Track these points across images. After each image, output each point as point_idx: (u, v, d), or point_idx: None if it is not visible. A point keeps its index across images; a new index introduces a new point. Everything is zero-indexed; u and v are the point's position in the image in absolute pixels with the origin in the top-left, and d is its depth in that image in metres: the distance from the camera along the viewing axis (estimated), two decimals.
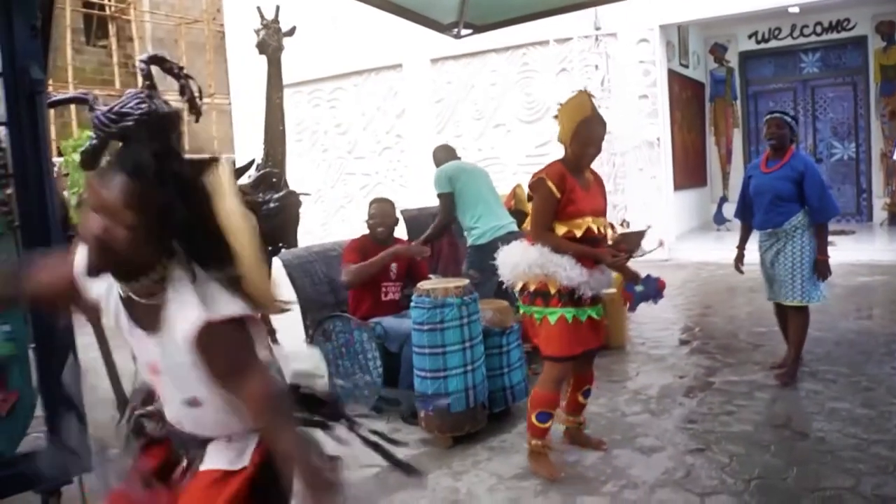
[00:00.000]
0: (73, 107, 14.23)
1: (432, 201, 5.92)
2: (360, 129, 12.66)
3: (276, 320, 4.43)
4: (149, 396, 1.88)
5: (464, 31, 5.65)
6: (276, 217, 5.68)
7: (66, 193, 9.08)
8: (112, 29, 18.53)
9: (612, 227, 8.19)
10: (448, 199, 5.16)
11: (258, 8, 6.21)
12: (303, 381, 1.91)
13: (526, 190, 3.79)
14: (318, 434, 1.86)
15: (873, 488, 3.07)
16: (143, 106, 4.45)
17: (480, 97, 11.41)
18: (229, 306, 1.56)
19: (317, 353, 1.90)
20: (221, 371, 1.56)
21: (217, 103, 17.92)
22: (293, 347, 4.27)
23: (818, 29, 11.59)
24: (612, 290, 3.74)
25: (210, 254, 1.59)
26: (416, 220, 6.34)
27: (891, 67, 11.13)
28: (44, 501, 2.86)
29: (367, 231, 4.62)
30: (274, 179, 5.96)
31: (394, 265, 4.53)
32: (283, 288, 3.62)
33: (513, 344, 4.21)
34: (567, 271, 3.25)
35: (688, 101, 11.89)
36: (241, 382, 1.54)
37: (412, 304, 3.90)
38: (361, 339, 4.33)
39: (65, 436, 2.73)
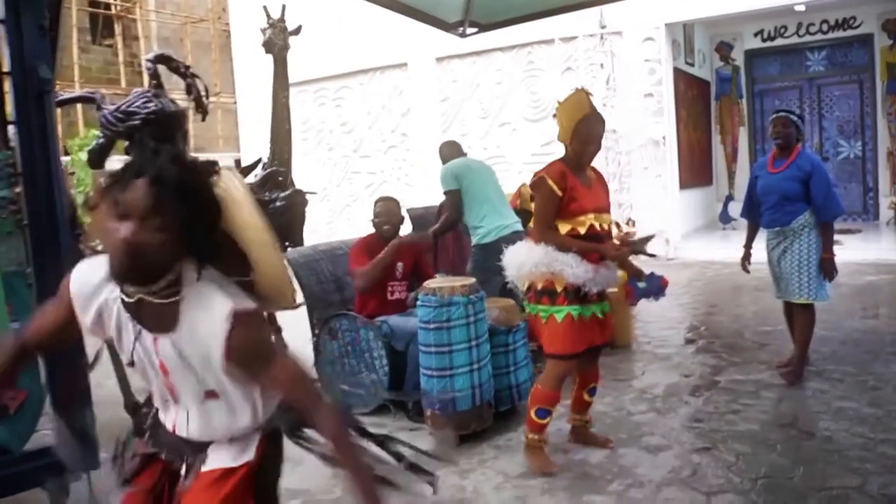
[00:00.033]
0: (79, 106, 14.26)
1: (438, 200, 5.92)
2: (366, 127, 12.66)
3: (283, 319, 4.45)
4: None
5: (469, 30, 5.66)
6: (282, 216, 5.70)
7: (72, 192, 9.11)
8: (118, 28, 18.58)
9: (618, 225, 8.20)
10: (455, 196, 5.16)
11: (264, 7, 6.23)
12: None
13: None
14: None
15: (880, 487, 3.07)
16: (150, 105, 4.48)
17: (486, 96, 11.41)
18: (247, 301, 1.63)
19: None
20: (251, 357, 1.62)
21: (222, 102, 17.94)
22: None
23: (824, 27, 11.55)
24: (617, 290, 3.73)
25: (222, 256, 1.63)
26: (421, 218, 6.35)
27: None
28: (52, 498, 2.88)
29: (372, 230, 4.63)
30: (280, 178, 5.98)
31: (399, 264, 4.53)
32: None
33: (519, 342, 4.21)
34: (573, 269, 3.26)
35: (693, 99, 11.86)
36: (271, 366, 1.62)
37: (418, 302, 3.90)
38: (367, 337, 4.34)
39: (73, 433, 2.75)
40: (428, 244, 4.81)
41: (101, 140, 4.67)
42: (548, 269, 3.28)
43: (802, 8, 10.26)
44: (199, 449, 1.77)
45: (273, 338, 1.72)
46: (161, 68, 4.83)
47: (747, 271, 4.87)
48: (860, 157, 11.67)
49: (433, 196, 6.70)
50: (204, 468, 1.75)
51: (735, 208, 10.06)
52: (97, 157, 4.73)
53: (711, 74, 12.72)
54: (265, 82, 6.72)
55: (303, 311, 4.55)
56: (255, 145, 11.66)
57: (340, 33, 12.04)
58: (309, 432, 1.92)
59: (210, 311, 1.59)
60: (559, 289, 3.30)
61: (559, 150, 3.48)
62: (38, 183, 2.78)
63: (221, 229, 1.64)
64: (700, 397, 4.38)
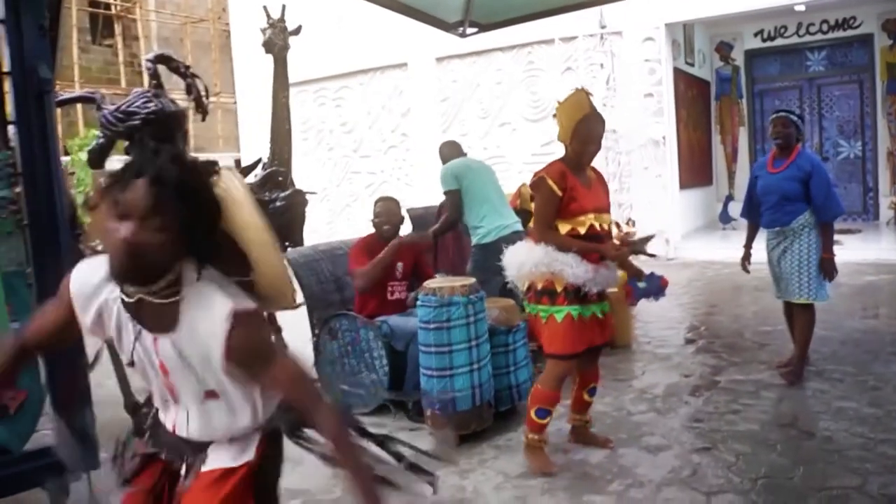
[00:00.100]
0: (79, 105, 14.26)
1: (438, 200, 5.92)
2: (366, 127, 12.66)
3: (282, 319, 4.45)
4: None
5: (469, 30, 5.66)
6: (282, 216, 5.70)
7: (72, 192, 9.11)
8: (118, 28, 18.58)
9: (618, 225, 8.20)
10: (455, 196, 5.16)
11: (264, 7, 6.23)
12: None
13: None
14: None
15: (880, 487, 3.07)
16: (150, 105, 4.48)
17: (486, 96, 11.41)
18: (247, 300, 1.64)
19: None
20: (251, 357, 1.62)
21: (222, 102, 17.94)
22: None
23: (824, 27, 11.55)
24: (617, 290, 3.73)
25: (222, 256, 1.64)
26: (421, 218, 6.35)
27: None
28: (52, 498, 2.88)
29: (372, 230, 4.63)
30: (280, 178, 5.98)
31: (399, 264, 4.53)
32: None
33: (519, 342, 4.21)
34: (573, 269, 3.26)
35: (693, 99, 11.86)
36: (271, 365, 1.63)
37: (418, 302, 3.90)
38: (367, 337, 4.34)
39: (73, 433, 2.75)
40: (428, 244, 4.82)
41: (101, 140, 4.67)
42: (548, 269, 3.28)
43: (802, 8, 10.26)
44: (199, 449, 1.77)
45: (273, 338, 1.73)
46: (161, 68, 4.83)
47: (747, 271, 4.87)
48: (860, 157, 11.67)
49: (433, 196, 6.70)
50: (204, 468, 1.75)
51: (735, 208, 10.06)
52: (97, 157, 4.73)
53: (711, 74, 12.72)
54: (265, 82, 6.72)
55: (303, 311, 4.55)
56: (255, 145, 11.66)
57: (340, 33, 12.04)
58: (309, 432, 1.93)
59: (210, 311, 1.59)
60: (559, 289, 3.30)
61: (559, 151, 3.48)
62: (38, 183, 2.78)
63: (221, 229, 1.64)
64: (700, 397, 4.38)
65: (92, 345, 2.99)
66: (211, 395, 1.69)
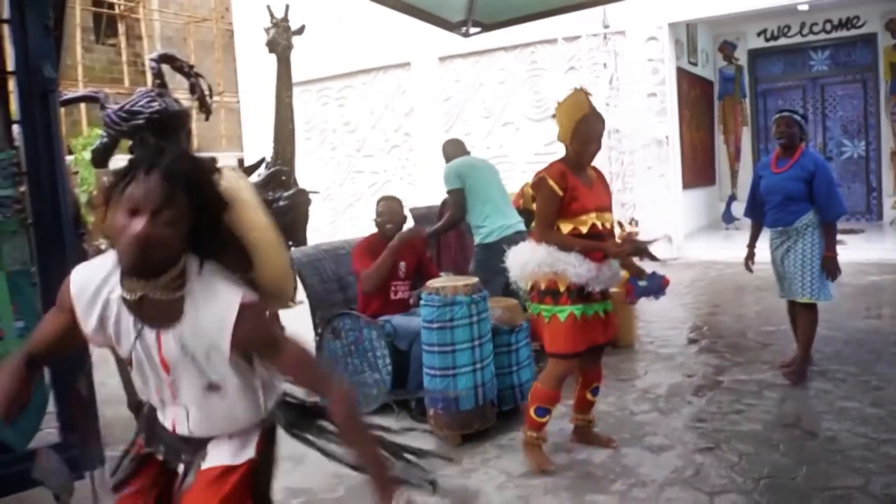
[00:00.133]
0: (82, 105, 14.28)
1: (441, 199, 5.93)
2: (369, 127, 12.67)
3: (285, 318, 4.45)
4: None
5: (472, 30, 5.66)
6: (285, 215, 5.70)
7: (76, 191, 9.12)
8: (121, 27, 18.60)
9: (621, 224, 8.20)
10: (459, 195, 5.16)
11: (268, 6, 6.24)
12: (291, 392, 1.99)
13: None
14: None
15: (883, 487, 3.07)
16: (154, 104, 4.49)
17: (489, 95, 11.41)
18: (251, 292, 1.67)
19: None
20: (259, 345, 1.68)
21: (226, 101, 17.98)
22: None
23: (827, 27, 11.54)
24: (618, 289, 3.73)
25: (225, 251, 1.66)
26: (425, 218, 6.35)
27: None
28: (56, 497, 2.88)
29: (375, 230, 4.63)
30: (283, 178, 5.98)
31: (402, 264, 4.53)
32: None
33: (521, 342, 4.21)
34: (576, 268, 3.26)
35: (696, 99, 11.85)
36: (279, 353, 1.68)
37: (422, 302, 3.91)
38: (371, 337, 4.34)
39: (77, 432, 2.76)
40: (423, 237, 4.80)
41: (105, 139, 4.67)
42: (551, 269, 3.29)
43: (806, 7, 10.25)
44: (198, 446, 1.78)
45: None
46: (165, 68, 4.84)
47: (751, 271, 4.86)
48: (864, 156, 11.65)
49: (436, 195, 6.70)
50: (204, 465, 1.76)
51: (738, 208, 10.07)
52: (101, 157, 4.74)
53: (715, 74, 12.71)
54: (268, 82, 6.72)
55: (305, 311, 4.56)
56: (259, 145, 11.66)
57: (343, 33, 12.05)
58: (308, 429, 1.94)
59: (216, 303, 1.61)
60: (562, 288, 3.30)
61: (562, 150, 3.48)
62: (43, 182, 2.78)
63: (225, 226, 1.66)
64: (703, 397, 4.38)
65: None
66: (213, 388, 1.70)
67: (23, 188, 2.81)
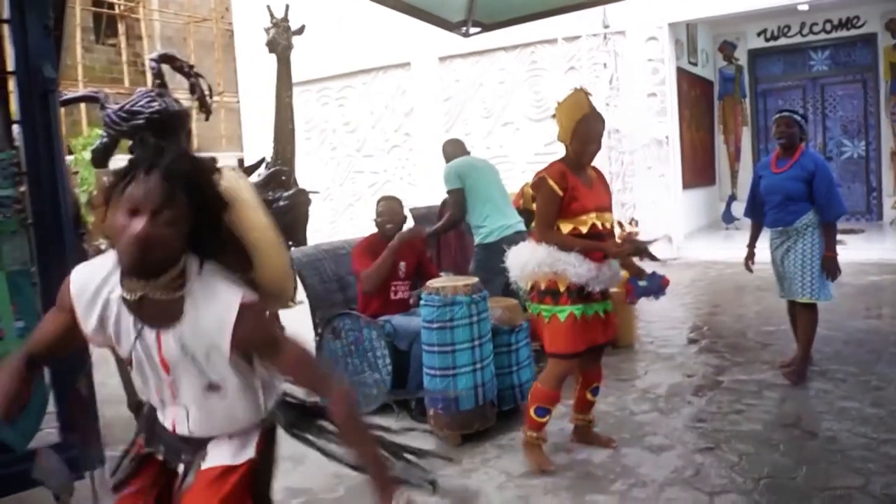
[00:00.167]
0: (82, 105, 14.28)
1: (441, 199, 5.92)
2: (369, 127, 12.67)
3: (285, 318, 4.45)
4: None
5: (472, 30, 5.66)
6: (285, 215, 5.70)
7: (76, 191, 9.12)
8: (121, 27, 18.60)
9: (621, 225, 8.19)
10: (459, 195, 5.16)
11: (268, 7, 6.24)
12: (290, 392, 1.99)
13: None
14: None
15: (883, 487, 3.07)
16: (154, 104, 4.49)
17: (489, 95, 11.41)
18: (251, 292, 1.67)
19: None
20: (259, 345, 1.68)
21: (225, 101, 17.98)
22: None
23: (827, 27, 11.53)
24: (618, 289, 3.73)
25: (225, 251, 1.66)
26: (425, 218, 6.35)
27: None
28: (56, 497, 2.88)
29: (375, 230, 4.62)
30: (283, 178, 5.98)
31: (402, 264, 4.53)
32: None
33: (521, 342, 4.21)
34: (576, 268, 3.26)
35: (696, 99, 11.85)
36: (279, 352, 1.69)
37: (422, 302, 3.91)
38: (371, 337, 4.34)
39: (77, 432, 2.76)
40: (422, 236, 4.80)
41: (105, 139, 4.67)
42: (551, 269, 3.29)
43: (806, 7, 10.25)
44: (198, 446, 1.78)
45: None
46: (165, 68, 4.84)
47: (751, 271, 4.87)
48: (864, 156, 11.65)
49: (436, 195, 6.71)
50: (204, 465, 1.76)
51: (738, 208, 10.06)
52: (101, 157, 4.74)
53: (715, 74, 12.71)
54: (268, 82, 6.72)
55: (305, 311, 4.56)
56: (259, 145, 11.66)
57: (343, 33, 12.05)
58: (308, 429, 1.94)
59: (217, 302, 1.61)
60: (562, 288, 3.30)
61: (562, 150, 3.48)
62: (43, 182, 2.78)
63: (226, 226, 1.66)
64: (703, 397, 4.38)
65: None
66: (213, 388, 1.70)
67: (23, 188, 2.81)
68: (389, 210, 4.60)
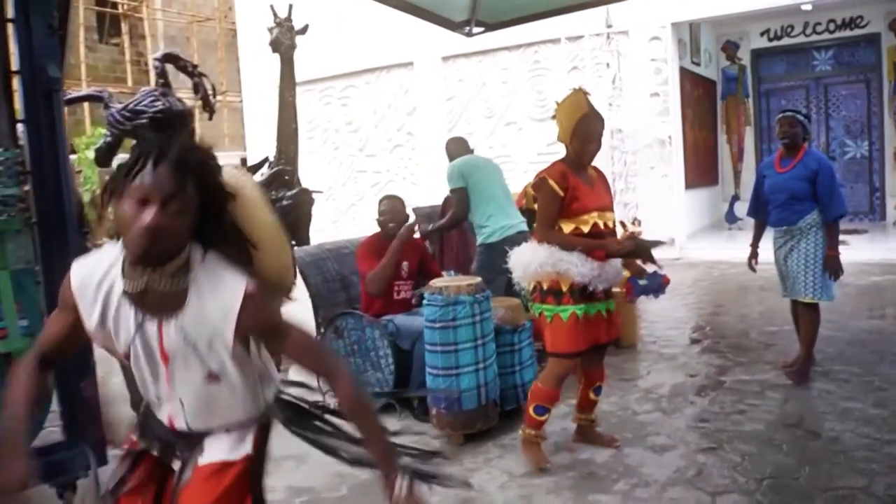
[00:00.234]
0: (85, 104, 14.30)
1: (444, 198, 5.92)
2: (372, 126, 12.67)
3: (288, 316, 4.46)
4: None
5: (475, 30, 5.66)
6: (288, 215, 5.70)
7: (79, 190, 9.14)
8: (124, 27, 18.62)
9: (623, 224, 8.19)
10: (462, 194, 5.16)
11: (271, 6, 6.24)
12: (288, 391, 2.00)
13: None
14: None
15: (886, 488, 3.06)
16: (157, 104, 4.50)
17: (492, 95, 11.41)
18: (254, 282, 1.67)
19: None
20: (264, 331, 1.70)
21: (229, 101, 17.99)
22: None
23: (831, 26, 11.52)
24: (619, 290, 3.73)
25: (228, 243, 1.69)
26: (428, 217, 6.35)
27: None
28: (59, 495, 2.89)
29: (377, 229, 4.62)
30: (286, 177, 5.99)
31: (405, 263, 4.53)
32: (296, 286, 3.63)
33: (524, 342, 4.22)
34: (578, 267, 3.27)
35: (699, 99, 11.84)
36: (284, 336, 1.70)
37: (424, 301, 3.91)
38: (373, 336, 4.35)
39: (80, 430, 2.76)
40: (412, 230, 4.74)
41: (109, 138, 4.68)
42: (553, 268, 3.29)
43: (809, 7, 10.23)
44: (195, 441, 1.78)
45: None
46: (168, 67, 4.84)
47: (754, 270, 4.86)
48: (867, 157, 11.64)
49: (439, 195, 6.71)
50: (202, 461, 1.76)
51: (741, 208, 10.05)
52: (104, 156, 4.75)
53: (717, 74, 12.70)
54: (271, 81, 6.73)
55: (308, 310, 4.56)
56: (261, 144, 11.68)
57: (346, 33, 12.05)
58: (306, 426, 1.95)
59: (222, 290, 1.62)
60: (565, 288, 3.31)
61: (564, 150, 3.49)
62: (47, 181, 2.79)
63: (229, 217, 1.68)
64: (705, 397, 4.38)
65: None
66: (212, 378, 1.70)
67: (27, 187, 2.81)
68: (392, 209, 4.60)
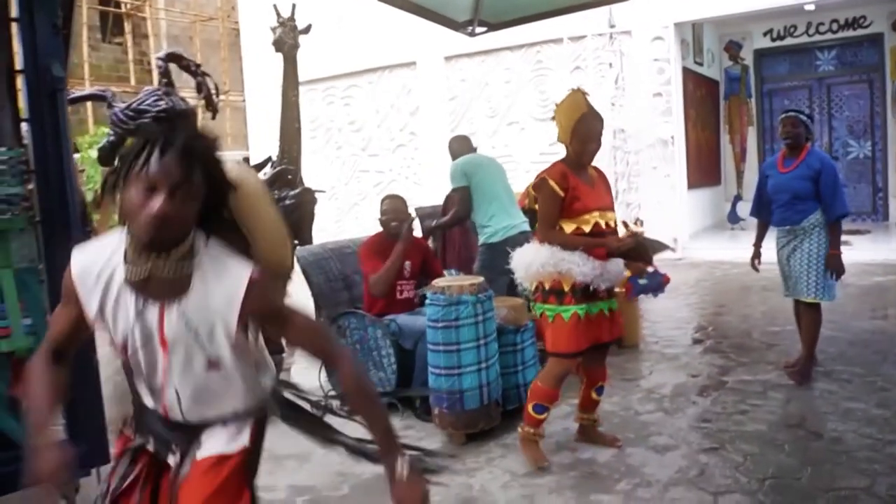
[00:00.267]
0: (89, 103, 14.31)
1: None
2: (375, 126, 12.68)
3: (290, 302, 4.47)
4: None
5: (478, 29, 5.66)
6: (291, 214, 5.72)
7: (82, 189, 9.15)
8: (128, 26, 18.63)
9: (626, 224, 8.17)
10: (465, 193, 5.15)
11: (274, 5, 6.25)
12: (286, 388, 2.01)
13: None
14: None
15: (888, 489, 3.06)
16: (161, 103, 4.52)
17: (494, 95, 11.41)
18: (257, 268, 1.69)
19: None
20: (268, 316, 1.70)
21: (232, 100, 17.99)
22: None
23: (834, 26, 11.51)
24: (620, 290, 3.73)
25: (230, 231, 1.71)
26: (430, 217, 6.36)
27: None
28: (62, 494, 2.89)
29: (380, 229, 4.63)
30: (289, 176, 6.00)
31: (408, 263, 4.53)
32: (298, 284, 3.63)
33: (527, 342, 4.22)
34: (580, 267, 3.28)
35: (702, 99, 11.84)
36: (288, 321, 1.70)
37: (427, 301, 3.91)
38: (376, 335, 4.35)
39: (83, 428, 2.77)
40: (411, 228, 4.71)
41: (112, 138, 4.70)
42: (555, 268, 3.30)
43: (812, 7, 10.22)
44: (192, 434, 1.78)
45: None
46: (171, 66, 4.86)
47: (757, 270, 4.87)
48: (870, 157, 11.63)
49: (441, 194, 6.71)
50: (199, 455, 1.76)
51: (743, 208, 10.04)
52: (107, 155, 4.77)
53: (720, 74, 12.69)
54: (274, 81, 6.75)
55: (310, 310, 4.57)
56: (264, 143, 11.70)
57: (349, 32, 12.06)
58: (303, 420, 1.95)
59: (227, 276, 1.63)
60: (566, 288, 3.31)
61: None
62: (51, 180, 2.79)
63: (230, 207, 1.70)
64: (708, 397, 4.38)
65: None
66: (212, 366, 1.70)
67: (31, 186, 2.82)
68: (394, 209, 4.60)
